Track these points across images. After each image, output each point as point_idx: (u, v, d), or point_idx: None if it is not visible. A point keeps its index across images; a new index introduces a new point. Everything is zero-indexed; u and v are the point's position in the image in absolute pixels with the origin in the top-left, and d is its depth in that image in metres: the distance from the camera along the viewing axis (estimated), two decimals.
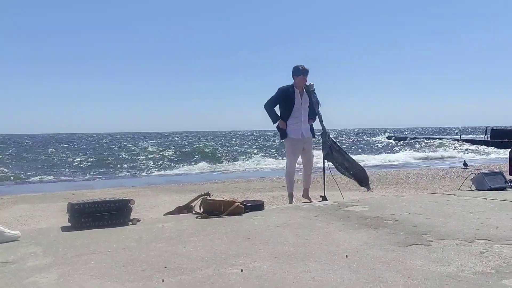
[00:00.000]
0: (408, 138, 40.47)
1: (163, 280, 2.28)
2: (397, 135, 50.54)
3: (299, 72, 5.34)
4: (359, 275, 2.30)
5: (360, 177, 5.59)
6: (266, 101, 5.45)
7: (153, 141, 51.06)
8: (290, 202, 5.47)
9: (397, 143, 36.25)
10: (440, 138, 36.33)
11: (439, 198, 4.96)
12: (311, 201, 5.31)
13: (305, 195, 5.55)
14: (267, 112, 5.47)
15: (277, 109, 5.49)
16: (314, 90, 5.43)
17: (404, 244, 2.93)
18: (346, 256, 2.67)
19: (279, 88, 5.44)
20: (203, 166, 18.11)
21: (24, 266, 2.60)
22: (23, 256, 2.81)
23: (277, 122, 5.43)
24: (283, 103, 5.40)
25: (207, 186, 8.88)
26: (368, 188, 5.67)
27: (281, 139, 5.53)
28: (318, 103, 5.47)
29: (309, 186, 5.57)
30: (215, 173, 14.92)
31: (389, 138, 45.49)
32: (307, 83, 5.39)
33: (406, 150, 27.04)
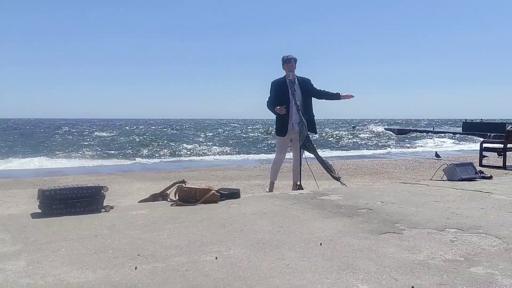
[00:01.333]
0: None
1: (136, 268, 2.24)
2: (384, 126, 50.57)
3: (283, 61, 5.38)
4: (332, 263, 2.33)
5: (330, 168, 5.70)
6: (267, 102, 5.45)
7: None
8: (270, 190, 5.49)
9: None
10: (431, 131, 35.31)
11: (412, 188, 5.06)
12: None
13: (294, 188, 5.50)
14: (271, 111, 5.44)
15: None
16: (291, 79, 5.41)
17: (377, 232, 2.97)
18: (321, 244, 2.69)
19: (271, 82, 5.45)
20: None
21: None
22: None
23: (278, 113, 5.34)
24: (278, 96, 5.38)
25: (183, 174, 8.80)
26: (337, 179, 5.71)
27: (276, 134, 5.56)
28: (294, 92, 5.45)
29: (298, 179, 5.52)
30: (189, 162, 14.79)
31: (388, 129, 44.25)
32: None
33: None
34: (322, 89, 5.52)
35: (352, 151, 20.34)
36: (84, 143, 25.38)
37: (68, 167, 12.81)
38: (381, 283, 2.04)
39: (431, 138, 28.81)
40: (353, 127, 51.68)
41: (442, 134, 31.42)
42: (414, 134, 33.79)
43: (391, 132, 37.95)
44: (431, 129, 38.82)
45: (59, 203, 3.51)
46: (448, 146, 22.92)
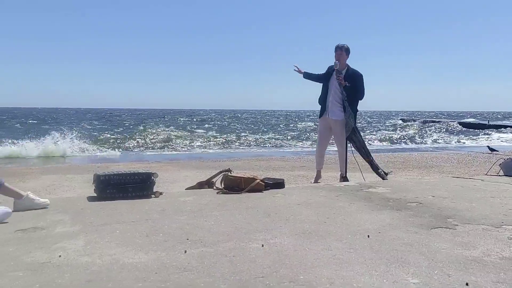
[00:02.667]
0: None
1: (185, 251, 2.31)
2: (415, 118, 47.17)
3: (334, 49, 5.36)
4: (381, 255, 2.28)
5: (374, 165, 5.55)
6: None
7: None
8: (315, 180, 5.46)
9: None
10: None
11: (465, 183, 4.85)
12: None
13: (340, 180, 5.42)
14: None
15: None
16: (338, 68, 5.31)
17: (428, 227, 2.88)
18: (368, 236, 2.65)
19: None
20: None
21: (53, 233, 2.68)
22: (52, 223, 2.90)
23: (305, 74, 5.55)
24: (322, 79, 5.46)
25: (228, 163, 8.93)
26: (383, 177, 5.52)
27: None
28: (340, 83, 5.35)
29: (344, 171, 5.41)
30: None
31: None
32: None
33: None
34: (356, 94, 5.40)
35: (399, 144, 19.70)
36: (132, 130, 26.19)
37: (118, 155, 13.33)
38: (432, 278, 1.98)
39: (488, 133, 27.16)
40: (403, 120, 47.56)
41: (505, 129, 29.50)
42: (474, 129, 31.69)
43: (440, 125, 36.08)
44: (486, 122, 36.74)
45: (112, 188, 3.68)
46: (506, 140, 21.62)
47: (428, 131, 28.74)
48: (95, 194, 3.77)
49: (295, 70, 5.56)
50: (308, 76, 5.56)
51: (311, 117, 54.14)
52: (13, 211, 3.05)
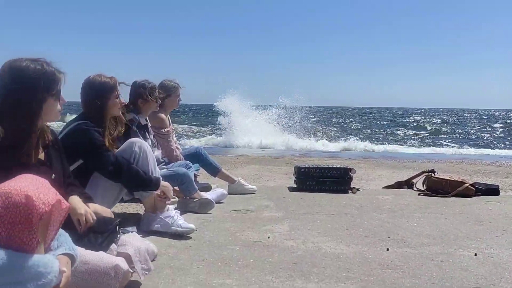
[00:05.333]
0: None
1: (387, 249, 2.25)
2: None
3: None
4: None
5: None
6: None
7: None
8: None
9: None
10: None
11: None
12: None
13: None
14: None
15: None
16: None
17: None
18: None
19: None
20: None
21: (261, 216, 2.96)
22: (259, 207, 3.21)
23: None
24: None
25: (427, 165, 8.29)
26: None
27: None
28: None
29: None
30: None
31: None
32: None
33: None
34: None
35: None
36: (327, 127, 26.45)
37: (313, 149, 13.81)
38: None
39: None
40: None
41: None
42: None
43: None
44: None
45: (312, 180, 3.84)
46: None
47: None
48: (294, 185, 4.00)
49: None
50: None
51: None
52: (227, 194, 3.49)
